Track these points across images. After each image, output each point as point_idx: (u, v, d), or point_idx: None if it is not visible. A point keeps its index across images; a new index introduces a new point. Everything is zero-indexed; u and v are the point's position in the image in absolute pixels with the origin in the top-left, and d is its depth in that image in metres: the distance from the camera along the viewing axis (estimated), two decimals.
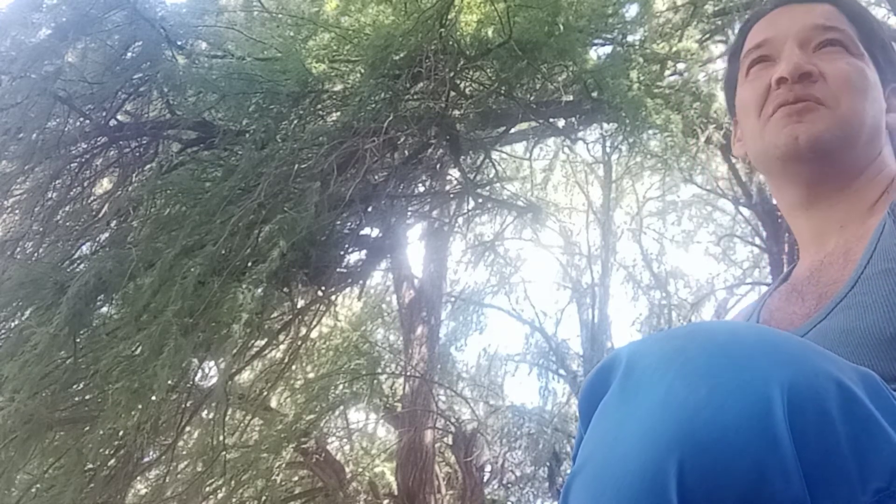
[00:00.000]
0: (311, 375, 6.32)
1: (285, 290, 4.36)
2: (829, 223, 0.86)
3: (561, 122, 5.11)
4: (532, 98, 4.57)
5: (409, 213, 5.20)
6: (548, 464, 8.67)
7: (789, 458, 0.45)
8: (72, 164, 4.21)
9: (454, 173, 5.15)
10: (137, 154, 4.34)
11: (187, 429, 4.63)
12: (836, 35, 0.88)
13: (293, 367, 5.55)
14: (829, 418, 0.47)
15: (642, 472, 0.47)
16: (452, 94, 4.25)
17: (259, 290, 3.69)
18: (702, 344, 0.52)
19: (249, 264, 3.63)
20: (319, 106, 4.42)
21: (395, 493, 6.58)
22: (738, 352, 0.50)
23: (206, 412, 4.54)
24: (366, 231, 4.66)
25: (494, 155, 5.27)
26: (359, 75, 4.14)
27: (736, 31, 1.05)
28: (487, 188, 5.41)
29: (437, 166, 4.98)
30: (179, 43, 4.11)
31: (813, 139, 0.83)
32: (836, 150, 0.84)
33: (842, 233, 0.84)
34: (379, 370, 6.84)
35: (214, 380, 4.50)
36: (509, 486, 8.82)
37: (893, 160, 0.90)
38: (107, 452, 4.05)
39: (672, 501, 0.45)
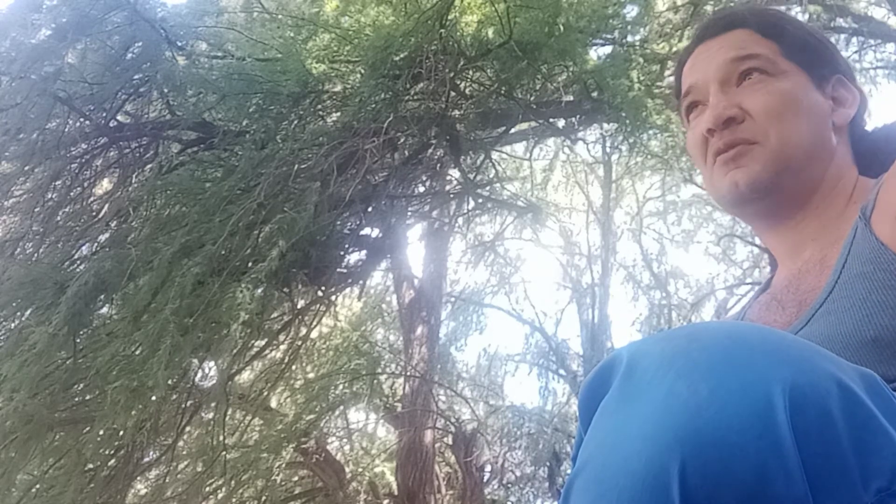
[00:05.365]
0: (311, 375, 6.32)
1: (285, 290, 4.36)
2: (801, 238, 0.87)
3: (561, 123, 5.12)
4: (532, 98, 4.57)
5: (409, 213, 5.20)
6: (548, 464, 8.67)
7: (791, 458, 0.45)
8: (72, 165, 4.21)
9: (454, 173, 5.15)
10: (137, 154, 4.34)
11: (187, 429, 4.63)
12: (752, 63, 0.88)
13: (293, 367, 5.55)
14: (830, 418, 0.47)
15: (644, 472, 0.47)
16: (452, 94, 4.25)
17: (259, 291, 3.69)
18: (703, 344, 0.52)
19: (249, 264, 3.63)
20: (319, 106, 4.42)
21: (395, 493, 6.58)
22: (740, 352, 0.51)
23: (206, 412, 4.55)
24: (366, 231, 4.66)
25: (494, 155, 5.27)
26: (359, 76, 4.14)
27: (696, 32, 1.07)
28: (487, 188, 5.41)
29: (437, 166, 4.98)
30: (179, 43, 4.11)
31: (751, 182, 0.84)
32: (777, 183, 0.84)
33: (815, 244, 0.84)
34: (379, 370, 6.84)
35: (214, 380, 4.50)
36: (509, 486, 8.82)
37: (850, 161, 0.89)
38: (107, 452, 4.06)
39: (674, 501, 0.45)
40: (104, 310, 3.91)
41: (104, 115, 4.08)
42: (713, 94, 0.88)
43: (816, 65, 0.89)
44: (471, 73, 4.44)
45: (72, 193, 4.29)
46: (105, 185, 4.64)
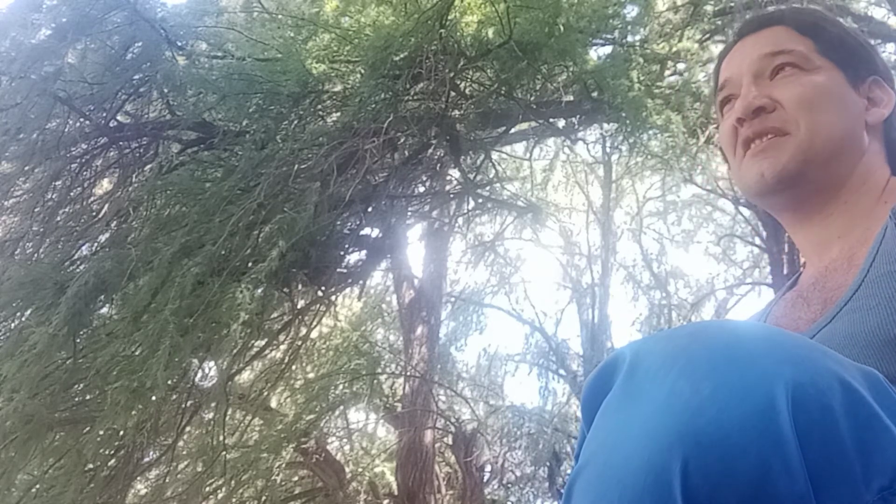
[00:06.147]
0: (311, 375, 6.32)
1: (285, 290, 4.36)
2: (827, 235, 0.87)
3: (561, 123, 5.11)
4: (532, 98, 4.57)
5: (409, 214, 5.20)
6: (548, 464, 8.67)
7: (793, 457, 0.45)
8: (72, 165, 4.21)
9: (454, 173, 5.15)
10: (137, 154, 4.34)
11: (187, 429, 4.63)
12: (785, 58, 0.89)
13: (293, 367, 5.55)
14: (833, 417, 0.47)
15: (646, 470, 0.47)
16: (452, 94, 4.25)
17: (259, 291, 3.69)
18: (705, 343, 0.52)
19: (249, 264, 3.63)
20: (319, 106, 4.42)
21: (395, 493, 6.57)
22: (742, 351, 0.50)
23: (206, 412, 4.54)
24: (366, 231, 4.66)
25: (494, 155, 5.27)
26: (359, 76, 4.13)
27: (736, 30, 1.10)
28: (487, 188, 5.41)
29: (437, 166, 4.98)
30: (179, 43, 4.11)
31: (777, 172, 0.85)
32: (805, 174, 0.85)
33: (842, 241, 0.84)
34: (379, 370, 6.84)
35: (214, 380, 4.50)
36: (509, 486, 8.82)
37: (882, 160, 0.89)
38: (107, 452, 4.05)
39: (676, 499, 0.45)
40: (104, 310, 3.91)
41: (104, 115, 4.08)
42: (745, 86, 0.90)
43: (852, 64, 0.89)
44: (471, 73, 4.43)
45: (72, 193, 4.29)
46: (105, 185, 4.64)
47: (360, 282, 5.27)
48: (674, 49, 4.52)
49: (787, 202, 0.89)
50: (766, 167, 0.85)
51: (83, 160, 4.23)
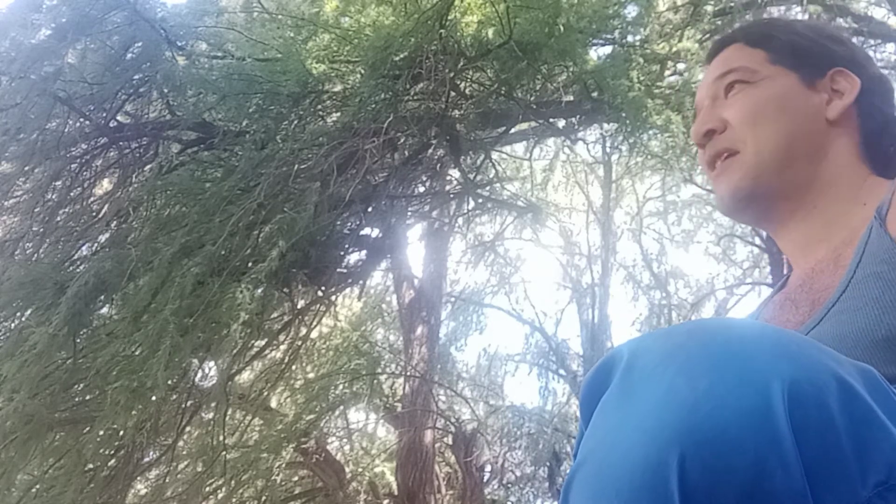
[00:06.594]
0: (311, 375, 6.32)
1: (285, 290, 4.36)
2: (806, 240, 0.87)
3: (561, 123, 5.12)
4: (532, 98, 4.57)
5: (409, 214, 5.21)
6: (548, 464, 8.68)
7: (790, 452, 0.46)
8: (72, 165, 4.21)
9: (454, 173, 5.16)
10: (137, 155, 4.35)
11: (187, 429, 4.63)
12: (733, 76, 0.90)
13: (293, 367, 5.55)
14: (829, 413, 0.47)
15: (644, 466, 0.47)
16: (452, 94, 4.25)
17: (259, 291, 3.70)
18: (702, 340, 0.52)
19: (249, 264, 3.63)
20: (319, 106, 4.42)
21: (395, 493, 6.58)
22: (739, 348, 0.51)
23: (206, 412, 4.55)
24: (366, 231, 4.66)
25: (494, 155, 5.27)
26: (359, 76, 4.14)
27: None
28: (487, 188, 5.41)
29: (437, 166, 4.98)
30: (179, 44, 4.11)
31: (732, 193, 0.87)
32: (759, 188, 0.86)
33: (826, 243, 0.84)
34: (379, 370, 6.84)
35: (214, 380, 4.51)
36: (509, 486, 8.83)
37: (853, 158, 0.87)
38: (107, 452, 4.06)
39: (673, 495, 0.45)
40: (104, 310, 3.91)
41: (104, 115, 4.08)
42: (702, 111, 0.92)
43: (807, 63, 0.89)
44: (471, 73, 4.43)
45: (72, 193, 4.29)
46: (105, 185, 4.64)
47: (360, 282, 5.28)
48: (674, 49, 4.52)
49: (754, 216, 0.91)
50: (723, 191, 0.88)
51: (83, 160, 4.23)
